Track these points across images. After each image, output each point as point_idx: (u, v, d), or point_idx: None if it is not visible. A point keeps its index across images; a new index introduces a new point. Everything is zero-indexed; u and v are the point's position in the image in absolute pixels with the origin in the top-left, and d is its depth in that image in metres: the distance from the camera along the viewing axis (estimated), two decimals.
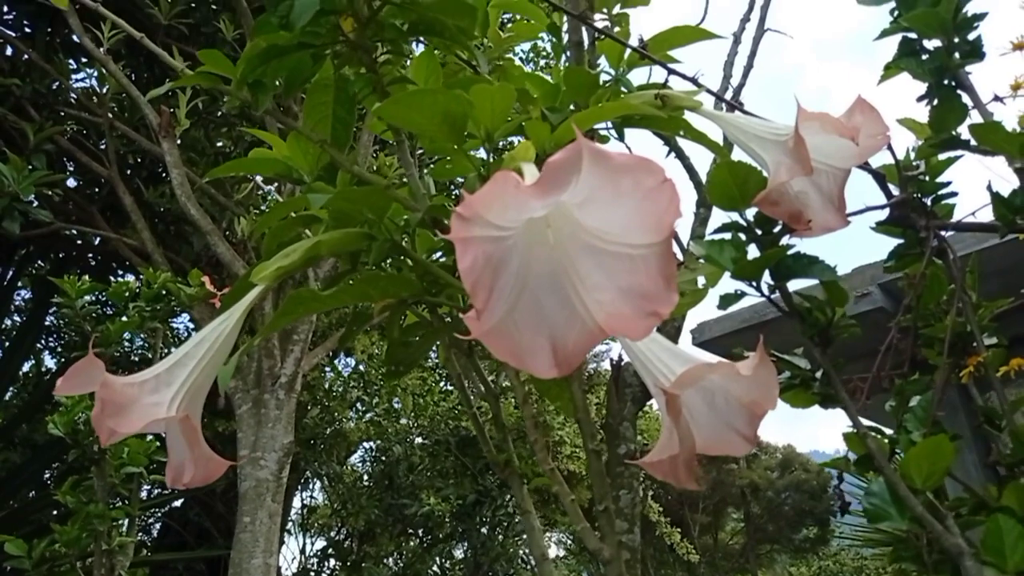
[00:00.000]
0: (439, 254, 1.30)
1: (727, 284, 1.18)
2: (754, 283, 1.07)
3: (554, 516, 11.12)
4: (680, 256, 1.71)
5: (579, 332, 0.75)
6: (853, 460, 1.22)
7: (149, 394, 0.94)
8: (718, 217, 1.13)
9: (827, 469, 1.40)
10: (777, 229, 1.08)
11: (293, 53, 1.11)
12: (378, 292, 0.98)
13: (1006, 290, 1.51)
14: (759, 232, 1.09)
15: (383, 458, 11.02)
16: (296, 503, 11.31)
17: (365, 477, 11.59)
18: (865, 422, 1.19)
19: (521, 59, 9.66)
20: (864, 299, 4.47)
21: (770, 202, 1.01)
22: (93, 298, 4.21)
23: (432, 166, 1.45)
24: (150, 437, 2.86)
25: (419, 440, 11.16)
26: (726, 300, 1.09)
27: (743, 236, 1.09)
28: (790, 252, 1.06)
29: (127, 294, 3.13)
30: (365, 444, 11.36)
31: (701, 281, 1.18)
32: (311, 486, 11.77)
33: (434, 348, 1.49)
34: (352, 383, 10.66)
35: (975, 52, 1.24)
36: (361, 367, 10.55)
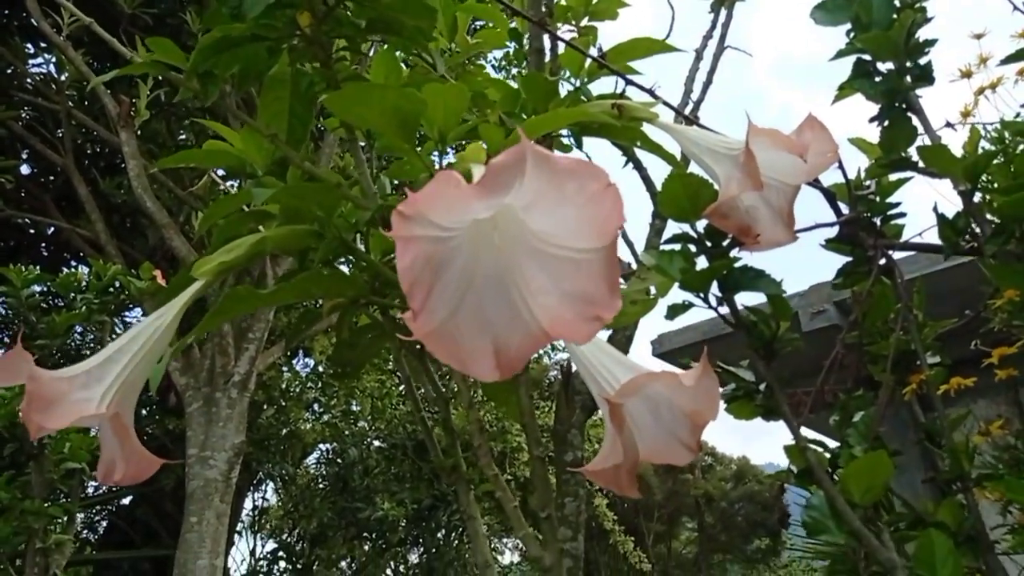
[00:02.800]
0: (394, 255, 1.28)
1: (678, 295, 1.18)
2: (701, 294, 1.07)
3: (511, 522, 11.07)
4: (634, 265, 1.72)
5: (523, 335, 0.75)
6: (795, 473, 1.23)
7: (79, 389, 0.91)
8: (673, 229, 1.14)
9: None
10: (726, 242, 1.09)
11: (247, 45, 1.09)
12: (321, 290, 0.96)
13: (961, 311, 1.52)
14: (709, 244, 1.09)
15: (338, 461, 10.89)
16: (247, 504, 11.13)
17: (319, 480, 11.45)
18: (812, 435, 1.20)
19: (493, 67, 9.67)
20: (820, 316, 4.55)
21: (720, 215, 1.01)
22: (43, 288, 4.10)
23: (389, 167, 1.43)
24: (94, 432, 2.78)
25: (376, 443, 11.06)
26: (674, 310, 1.10)
27: (693, 247, 1.09)
28: (737, 265, 1.06)
29: (75, 286, 3.05)
30: (321, 446, 11.23)
31: (653, 291, 1.18)
32: (263, 487, 11.60)
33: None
34: (309, 384, 10.53)
35: (925, 76, 1.26)
36: (320, 368, 10.43)
